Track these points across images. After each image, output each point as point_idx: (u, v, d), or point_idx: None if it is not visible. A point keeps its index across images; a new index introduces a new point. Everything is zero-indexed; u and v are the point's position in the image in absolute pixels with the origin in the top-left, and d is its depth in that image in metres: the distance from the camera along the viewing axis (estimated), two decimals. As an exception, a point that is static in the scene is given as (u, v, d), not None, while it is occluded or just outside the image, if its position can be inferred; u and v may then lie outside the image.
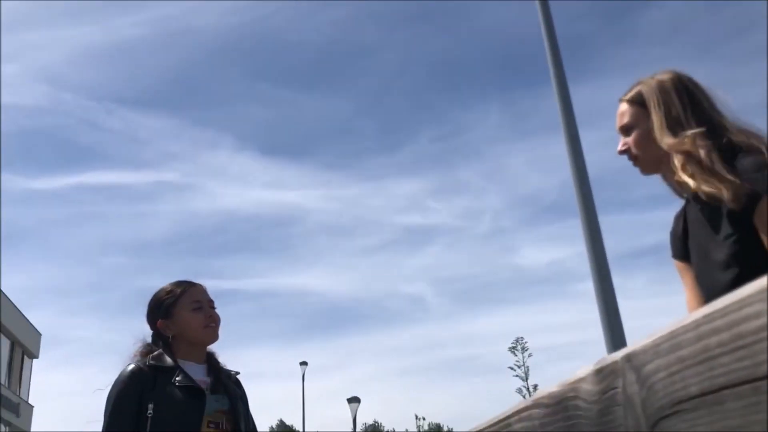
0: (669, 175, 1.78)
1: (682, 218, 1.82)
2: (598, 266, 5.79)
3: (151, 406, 2.11)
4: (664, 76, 1.80)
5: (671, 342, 0.44)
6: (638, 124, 1.81)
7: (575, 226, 6.04)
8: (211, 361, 2.37)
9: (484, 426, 0.85)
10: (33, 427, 28.65)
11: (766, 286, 0.35)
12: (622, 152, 1.85)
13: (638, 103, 1.81)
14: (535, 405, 0.67)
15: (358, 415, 24.41)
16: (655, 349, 0.46)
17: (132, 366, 2.22)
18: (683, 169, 1.67)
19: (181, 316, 2.32)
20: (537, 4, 7.05)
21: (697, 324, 0.41)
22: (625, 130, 1.85)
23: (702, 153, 1.63)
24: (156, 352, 2.27)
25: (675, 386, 0.44)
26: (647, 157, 1.80)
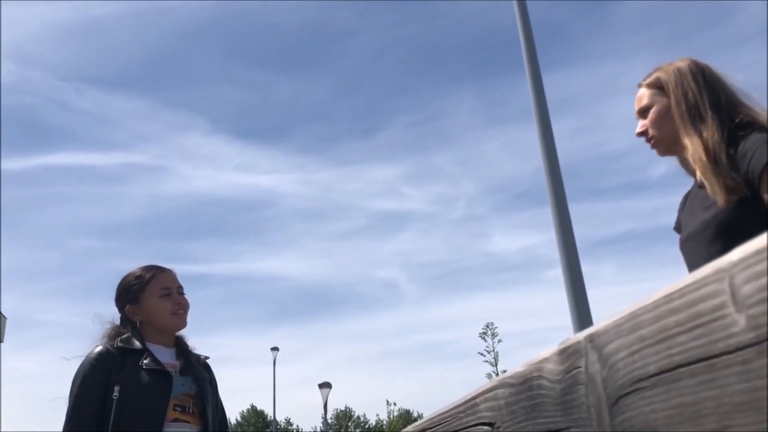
0: (682, 156, 1.84)
1: (687, 195, 1.90)
2: (567, 253, 5.86)
3: (117, 388, 2.10)
4: (682, 63, 1.86)
5: (632, 322, 0.45)
6: (655, 104, 1.87)
7: (546, 214, 6.10)
8: (180, 345, 2.36)
9: (450, 407, 0.86)
10: (-2, 412, 28.24)
11: (722, 266, 0.36)
12: (639, 134, 1.91)
13: (656, 87, 1.87)
14: (501, 385, 0.68)
15: (329, 401, 24.50)
16: (616, 329, 0.47)
17: (100, 348, 2.20)
18: (695, 159, 1.73)
19: (148, 302, 2.30)
20: (512, -8, 7.06)
21: (656, 305, 0.42)
22: (643, 112, 1.90)
23: (711, 148, 1.69)
24: (125, 335, 2.25)
25: (635, 365, 0.45)
26: (664, 136, 1.85)
